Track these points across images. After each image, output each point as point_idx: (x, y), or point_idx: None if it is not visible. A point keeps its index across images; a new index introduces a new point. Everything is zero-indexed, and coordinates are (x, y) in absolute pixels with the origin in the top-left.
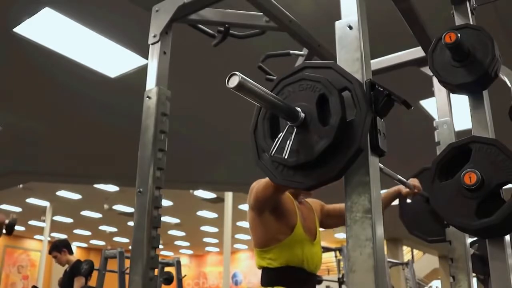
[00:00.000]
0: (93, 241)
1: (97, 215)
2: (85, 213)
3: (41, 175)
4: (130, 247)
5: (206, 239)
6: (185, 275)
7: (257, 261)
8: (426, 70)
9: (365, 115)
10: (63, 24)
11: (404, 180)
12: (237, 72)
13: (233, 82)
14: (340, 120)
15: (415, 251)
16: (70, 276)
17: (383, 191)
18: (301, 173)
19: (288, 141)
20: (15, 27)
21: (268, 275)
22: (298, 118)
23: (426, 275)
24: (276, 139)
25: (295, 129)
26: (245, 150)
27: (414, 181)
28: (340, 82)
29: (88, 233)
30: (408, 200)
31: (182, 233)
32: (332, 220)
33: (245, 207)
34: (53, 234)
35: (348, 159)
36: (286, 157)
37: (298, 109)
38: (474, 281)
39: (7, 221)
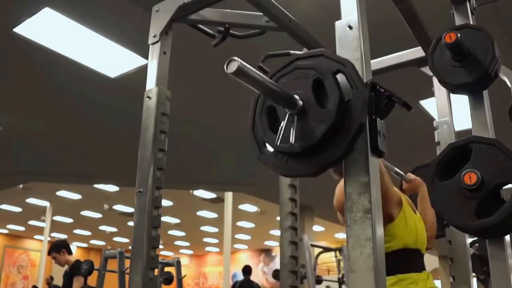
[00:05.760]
0: (93, 241)
1: (97, 215)
2: (85, 213)
3: (41, 175)
4: (130, 247)
5: (206, 239)
6: (185, 275)
7: None
8: (426, 70)
9: (362, 92)
10: (63, 24)
11: (402, 173)
12: (236, 58)
13: (232, 67)
14: (339, 100)
15: None
16: (70, 277)
17: None
18: (306, 160)
19: (291, 129)
20: (15, 27)
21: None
22: (297, 106)
23: None
24: (280, 129)
25: (296, 117)
26: (245, 150)
27: (411, 175)
28: (333, 66)
29: (88, 233)
30: None
31: (182, 233)
32: None
33: (245, 207)
34: (53, 234)
35: (352, 137)
36: (293, 142)
37: (296, 96)
38: (474, 281)
39: None
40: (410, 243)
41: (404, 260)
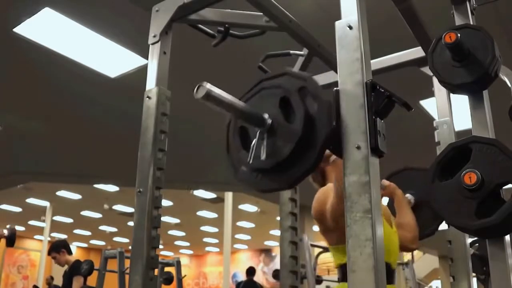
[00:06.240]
0: (93, 241)
1: (97, 215)
2: (85, 213)
3: (41, 175)
4: (130, 247)
5: (206, 239)
6: (185, 275)
7: (339, 259)
8: (426, 70)
9: (327, 105)
10: (63, 24)
11: None
12: (204, 83)
13: (201, 92)
14: (305, 114)
15: (415, 251)
16: (70, 277)
17: None
18: (278, 175)
19: (262, 146)
20: (15, 27)
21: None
22: (266, 123)
23: (426, 275)
24: (251, 147)
25: (266, 134)
26: None
27: (385, 182)
28: (297, 84)
29: (88, 233)
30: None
31: (182, 233)
32: None
33: (245, 207)
34: (53, 234)
35: (319, 150)
36: (264, 159)
37: (265, 115)
38: (474, 281)
39: (6, 234)
40: None
41: None
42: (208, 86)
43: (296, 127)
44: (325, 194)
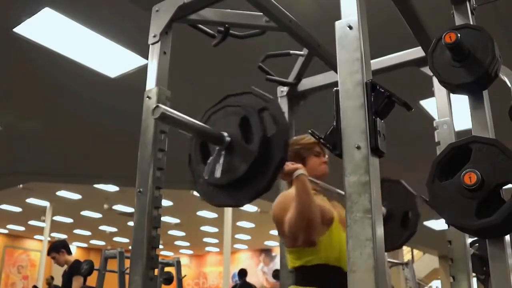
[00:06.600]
0: (93, 241)
1: (97, 215)
2: (85, 213)
3: (41, 175)
4: (130, 247)
5: (206, 239)
6: (185, 275)
7: (293, 262)
8: (426, 70)
9: (284, 129)
10: (63, 24)
11: (343, 193)
12: (160, 104)
13: (157, 113)
14: (262, 137)
15: (415, 251)
16: (69, 276)
17: None
18: (232, 192)
19: (217, 164)
20: (15, 27)
21: (305, 274)
22: (224, 142)
23: (426, 275)
24: (208, 163)
25: (223, 152)
26: None
27: None
28: (259, 104)
29: (88, 233)
30: None
31: (182, 233)
32: None
33: (245, 207)
34: (53, 234)
35: (274, 170)
36: (218, 176)
37: (225, 133)
38: (474, 281)
39: None
40: (332, 260)
41: (323, 275)
42: (164, 107)
43: (253, 148)
44: (286, 200)
